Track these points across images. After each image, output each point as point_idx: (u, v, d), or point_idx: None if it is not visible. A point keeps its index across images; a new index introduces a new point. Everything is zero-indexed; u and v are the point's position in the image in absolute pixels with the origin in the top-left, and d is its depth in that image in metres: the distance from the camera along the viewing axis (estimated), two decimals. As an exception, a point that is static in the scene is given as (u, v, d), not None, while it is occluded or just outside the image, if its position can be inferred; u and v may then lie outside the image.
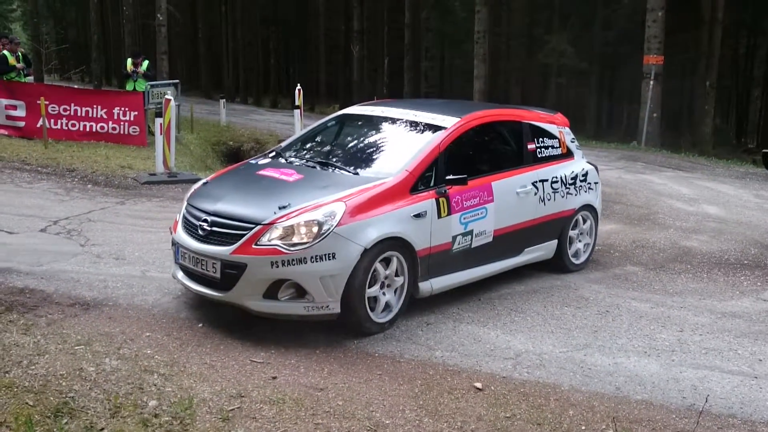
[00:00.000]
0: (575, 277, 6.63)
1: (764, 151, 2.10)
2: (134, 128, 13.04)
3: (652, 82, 18.53)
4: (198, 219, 5.03)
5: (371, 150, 5.96)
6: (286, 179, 5.34)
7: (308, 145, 6.28)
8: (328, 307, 4.77)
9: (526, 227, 6.26)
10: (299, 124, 15.13)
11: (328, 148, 6.24)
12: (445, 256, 5.47)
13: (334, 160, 5.78)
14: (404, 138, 5.87)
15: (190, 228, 5.09)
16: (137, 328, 4.77)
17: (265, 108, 32.05)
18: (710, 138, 23.13)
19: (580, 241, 6.96)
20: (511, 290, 6.16)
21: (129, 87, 14.85)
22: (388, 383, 4.26)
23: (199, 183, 5.76)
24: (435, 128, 5.76)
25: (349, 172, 5.45)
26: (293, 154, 6.03)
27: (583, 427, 3.91)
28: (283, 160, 5.87)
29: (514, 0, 28.86)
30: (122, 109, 12.95)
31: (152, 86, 14.37)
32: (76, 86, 19.38)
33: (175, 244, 5.22)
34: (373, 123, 6.25)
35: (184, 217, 5.24)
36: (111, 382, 3.92)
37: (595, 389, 4.41)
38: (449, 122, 5.81)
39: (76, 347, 4.34)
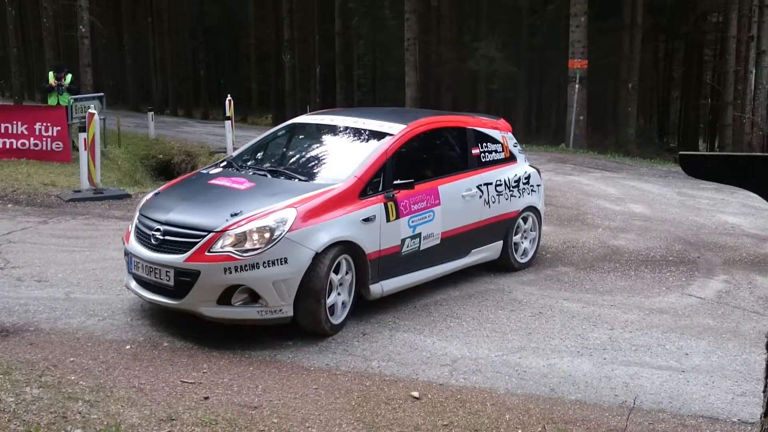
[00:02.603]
0: (508, 280, 6.72)
1: (680, 153, 2.18)
2: (57, 144, 12.60)
3: (577, 86, 19.02)
4: (150, 228, 5.10)
5: (321, 157, 6.16)
6: (238, 187, 5.46)
7: (259, 154, 6.42)
8: (281, 311, 4.89)
9: (473, 229, 6.46)
10: (230, 135, 14.93)
11: (278, 156, 6.40)
12: (395, 259, 5.63)
13: (285, 168, 5.94)
14: (353, 145, 6.07)
15: (143, 238, 5.15)
16: (60, 354, 4.57)
17: (196, 120, 31.48)
18: (634, 138, 23.90)
19: (524, 241, 7.18)
20: (446, 296, 6.18)
21: (52, 101, 14.32)
22: (324, 397, 4.20)
23: (151, 193, 5.85)
24: (382, 135, 5.94)
25: (300, 179, 5.62)
26: (244, 163, 6.16)
27: (520, 430, 3.93)
28: (234, 170, 5.99)
29: (443, 7, 29.21)
30: (44, 124, 12.49)
31: (76, 100, 13.90)
32: (-6, 102, 18.62)
33: (128, 254, 5.27)
34: (323, 131, 6.48)
35: (137, 227, 5.31)
36: (32, 412, 3.73)
37: (530, 392, 4.45)
38: (396, 129, 5.99)
39: (-6, 377, 4.12)
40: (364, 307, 5.67)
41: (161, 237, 4.99)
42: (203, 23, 38.16)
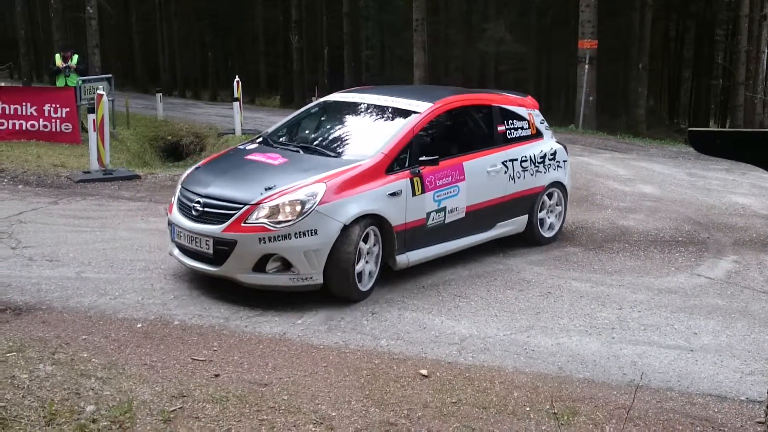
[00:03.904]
0: (517, 260, 6.72)
1: (689, 129, 2.15)
2: (66, 125, 12.61)
3: (587, 66, 18.87)
4: (191, 201, 5.46)
5: (350, 134, 6.42)
6: (272, 163, 5.79)
7: (293, 131, 6.72)
8: (311, 278, 5.22)
9: (497, 203, 6.66)
10: (238, 116, 14.95)
11: (310, 133, 6.67)
12: (421, 231, 5.89)
13: (316, 144, 6.27)
14: (381, 122, 6.33)
15: (184, 209, 5.53)
16: (72, 332, 4.61)
17: (204, 101, 31.45)
18: (644, 119, 23.75)
19: (550, 215, 7.37)
20: (455, 276, 6.20)
21: (60, 83, 14.31)
22: (333, 375, 4.23)
23: (192, 168, 6.21)
24: (409, 113, 6.16)
25: (330, 155, 5.92)
26: (278, 139, 6.48)
27: (528, 408, 3.96)
28: (268, 146, 6.30)
29: (452, -13, 28.98)
30: (53, 105, 12.50)
31: (84, 81, 13.90)
32: (3, 84, 18.64)
33: (171, 224, 5.65)
34: (353, 109, 6.71)
35: (179, 199, 5.68)
36: (45, 388, 3.77)
37: (538, 370, 4.47)
38: (422, 107, 6.21)
39: (8, 354, 4.16)
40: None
41: (201, 209, 5.35)
42: (211, 5, 37.99)
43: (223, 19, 38.28)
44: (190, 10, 37.83)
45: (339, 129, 6.58)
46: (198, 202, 5.38)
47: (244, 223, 5.14)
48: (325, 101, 7.06)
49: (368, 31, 34.84)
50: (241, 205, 5.20)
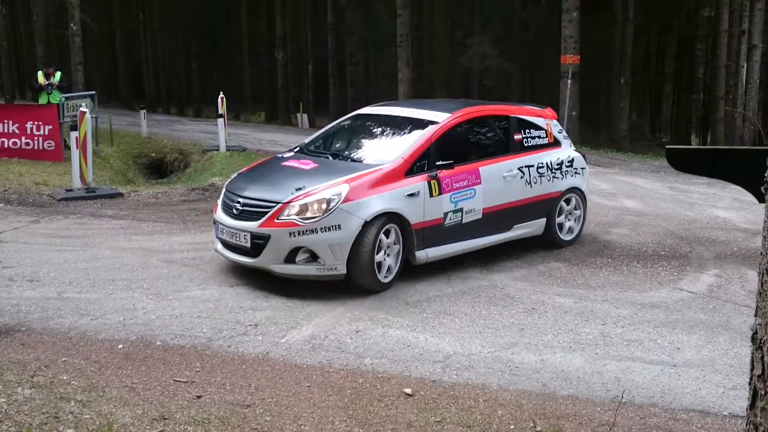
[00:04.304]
0: (501, 276, 6.73)
1: (666, 147, 2.17)
2: (49, 143, 12.55)
3: (569, 81, 19.05)
4: (233, 201, 6.20)
5: (375, 142, 7.11)
6: (304, 167, 6.51)
7: (326, 140, 7.45)
8: (336, 269, 5.81)
9: (514, 206, 7.14)
10: (223, 133, 14.93)
11: (340, 142, 7.41)
12: (438, 230, 6.44)
13: (344, 151, 7.03)
14: (403, 132, 6.91)
15: (227, 208, 6.27)
16: (52, 354, 4.56)
17: (188, 118, 31.40)
18: (627, 134, 23.95)
19: (568, 219, 7.83)
20: (439, 293, 6.19)
21: (42, 100, 14.25)
22: (317, 395, 4.20)
23: (235, 174, 7.06)
24: (428, 123, 6.77)
25: (355, 160, 6.64)
26: (312, 148, 7.23)
27: (512, 426, 3.95)
28: (303, 153, 7.06)
29: (435, 2, 29.16)
30: (36, 123, 12.45)
31: (67, 98, 13.85)
32: (-15, 101, 18.52)
33: (216, 222, 6.40)
34: (380, 120, 7.40)
35: (223, 200, 6.44)
36: (24, 412, 3.72)
37: (522, 387, 4.47)
38: (441, 117, 6.83)
39: (-14, 378, 4.11)
40: (355, 303, 5.69)
41: (241, 208, 6.07)
42: (196, 20, 38.01)
43: (208, 34, 38.31)
44: (174, 26, 37.82)
45: (366, 138, 7.28)
46: (238, 202, 6.10)
47: (277, 219, 5.81)
48: (357, 114, 7.80)
49: (353, 46, 34.96)
50: (275, 204, 5.87)
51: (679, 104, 33.51)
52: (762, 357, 1.91)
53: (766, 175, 1.90)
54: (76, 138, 9.79)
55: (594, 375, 4.66)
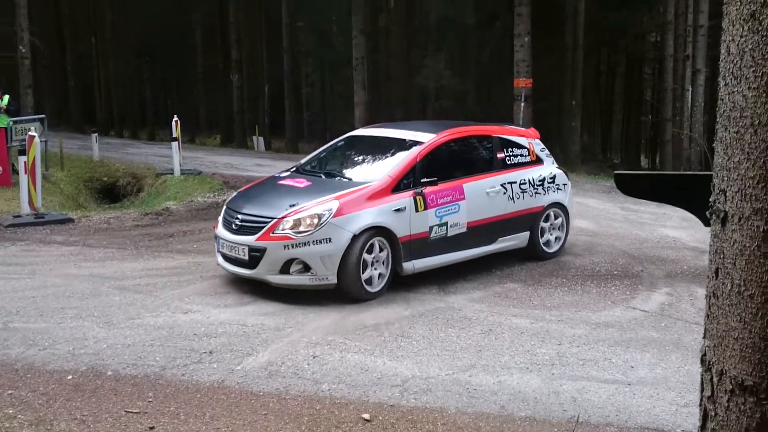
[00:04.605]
0: (458, 298, 6.76)
1: (615, 173, 2.22)
2: (-4, 168, 12.22)
3: (523, 104, 19.37)
4: (232, 217, 6.66)
5: (365, 161, 7.56)
6: (298, 186, 7.02)
7: (320, 161, 7.91)
8: (327, 279, 6.24)
9: (498, 221, 7.55)
10: (177, 156, 14.75)
11: (333, 161, 7.89)
12: (424, 243, 6.85)
13: (336, 170, 7.50)
14: (391, 152, 7.31)
15: (227, 224, 6.72)
16: (-2, 387, 4.41)
17: (142, 141, 30.92)
18: (578, 154, 24.41)
19: (551, 233, 8.22)
20: (397, 315, 6.19)
21: (-10, 124, 13.89)
22: (273, 423, 4.14)
23: (235, 192, 7.67)
24: (414, 143, 7.23)
25: (346, 178, 7.11)
26: (307, 167, 7.70)
27: (470, 450, 3.94)
28: (298, 173, 7.51)
29: (391, 23, 29.43)
30: (-19, 147, 12.12)
31: (15, 122, 13.54)
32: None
33: (217, 237, 6.85)
34: (370, 141, 7.92)
35: (224, 217, 6.91)
36: (-34, 450, 3.58)
37: (480, 410, 4.47)
38: (426, 138, 7.30)
39: (-74, 414, 3.95)
40: (312, 331, 5.64)
41: (240, 223, 6.52)
42: (149, 43, 37.64)
43: (161, 55, 37.94)
44: (126, 50, 37.35)
45: (357, 158, 7.74)
46: (237, 218, 6.56)
47: (273, 233, 6.26)
48: (350, 135, 8.34)
49: (308, 67, 35.02)
50: (271, 219, 6.33)
51: (629, 125, 34.38)
52: (711, 378, 1.95)
53: (710, 199, 1.95)
54: (25, 162, 9.57)
55: (551, 395, 4.70)
